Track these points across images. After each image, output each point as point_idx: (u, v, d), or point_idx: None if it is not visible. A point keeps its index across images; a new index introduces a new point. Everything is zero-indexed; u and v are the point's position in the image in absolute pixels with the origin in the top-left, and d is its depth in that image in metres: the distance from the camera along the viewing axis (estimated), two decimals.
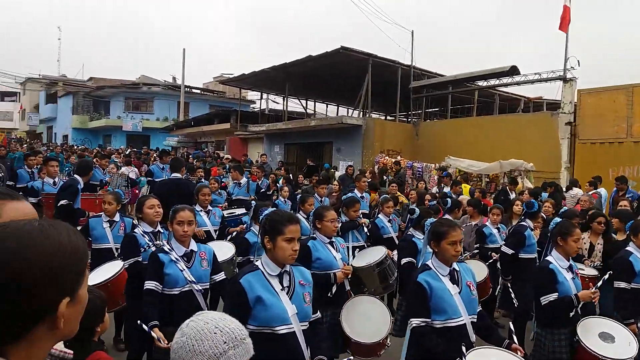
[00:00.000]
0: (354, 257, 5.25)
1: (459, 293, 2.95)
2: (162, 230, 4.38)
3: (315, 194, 8.25)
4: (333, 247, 3.95)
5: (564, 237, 3.67)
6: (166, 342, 3.04)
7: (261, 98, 26.07)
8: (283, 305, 2.46)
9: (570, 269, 3.70)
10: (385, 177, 14.11)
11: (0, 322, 0.88)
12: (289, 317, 2.46)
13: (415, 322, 2.91)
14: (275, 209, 2.99)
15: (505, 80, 17.28)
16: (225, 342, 1.40)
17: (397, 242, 6.30)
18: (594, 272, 5.43)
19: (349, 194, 7.17)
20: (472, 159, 13.77)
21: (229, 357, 1.40)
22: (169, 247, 3.48)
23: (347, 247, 5.40)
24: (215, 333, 1.40)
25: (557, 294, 3.55)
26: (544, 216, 6.32)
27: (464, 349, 2.70)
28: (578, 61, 14.60)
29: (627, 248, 4.29)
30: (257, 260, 2.65)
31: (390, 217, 6.54)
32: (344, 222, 5.62)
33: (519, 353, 2.81)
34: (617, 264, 4.23)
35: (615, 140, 13.35)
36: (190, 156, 21.40)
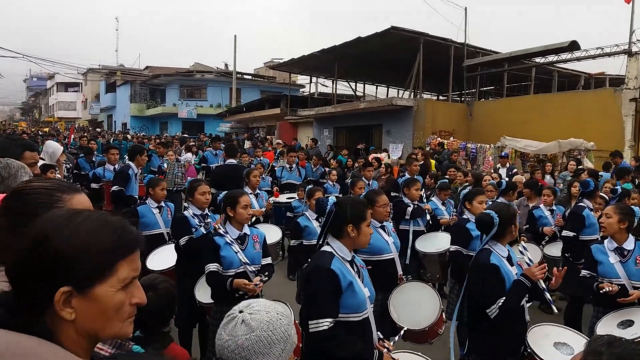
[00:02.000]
0: (413, 242, 5.33)
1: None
2: (209, 214, 4.53)
3: (363, 177, 8.28)
4: (384, 231, 3.99)
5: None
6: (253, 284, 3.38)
7: (310, 82, 26.16)
8: (362, 289, 2.49)
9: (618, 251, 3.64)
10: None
11: (21, 292, 0.95)
12: (367, 301, 2.50)
13: (494, 308, 2.83)
14: (350, 196, 2.98)
15: (564, 56, 16.48)
16: (289, 324, 1.50)
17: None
18: None
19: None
20: (529, 139, 13.33)
21: (293, 337, 1.51)
22: (224, 229, 3.62)
23: (409, 231, 5.48)
24: (280, 319, 1.48)
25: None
26: (605, 197, 6.08)
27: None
28: None
29: None
30: (324, 246, 2.58)
31: (445, 201, 6.51)
32: (414, 209, 5.58)
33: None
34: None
35: None
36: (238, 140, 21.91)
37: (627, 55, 13.97)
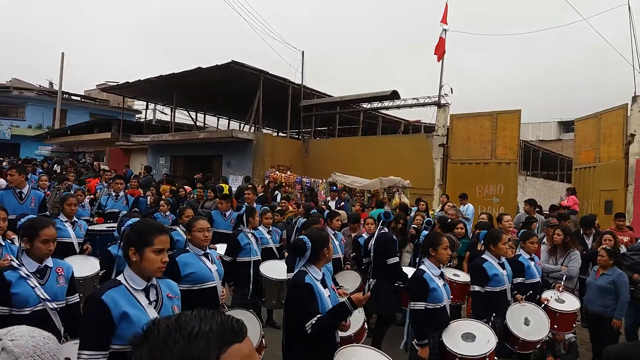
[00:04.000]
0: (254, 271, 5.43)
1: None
2: (3, 244, 4.03)
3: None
4: (208, 259, 3.84)
5: (435, 247, 3.93)
6: None
7: (147, 108, 25.01)
8: (150, 319, 2.35)
9: (441, 276, 3.96)
10: (276, 192, 14.24)
11: None
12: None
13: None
14: (142, 218, 2.83)
15: (386, 103, 18.43)
16: (57, 348, 1.38)
17: (277, 253, 6.57)
18: (467, 279, 6.05)
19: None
20: (356, 176, 14.45)
21: None
22: (17, 262, 3.13)
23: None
24: (47, 343, 1.35)
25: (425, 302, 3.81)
26: (416, 227, 6.85)
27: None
28: (451, 89, 16.05)
29: (482, 256, 4.65)
30: (118, 276, 2.46)
31: (270, 229, 6.71)
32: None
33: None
34: (473, 270, 4.69)
35: (482, 161, 14.81)
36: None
37: (437, 106, 16.15)
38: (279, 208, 9.10)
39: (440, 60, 16.27)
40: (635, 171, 11.78)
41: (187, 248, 3.84)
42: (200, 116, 25.54)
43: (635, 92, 12.44)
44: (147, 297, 2.39)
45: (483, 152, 14.86)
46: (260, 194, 9.88)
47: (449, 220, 7.04)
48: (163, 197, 9.37)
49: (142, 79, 19.44)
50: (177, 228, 6.08)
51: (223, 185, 13.44)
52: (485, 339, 3.82)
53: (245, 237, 5.65)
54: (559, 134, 36.98)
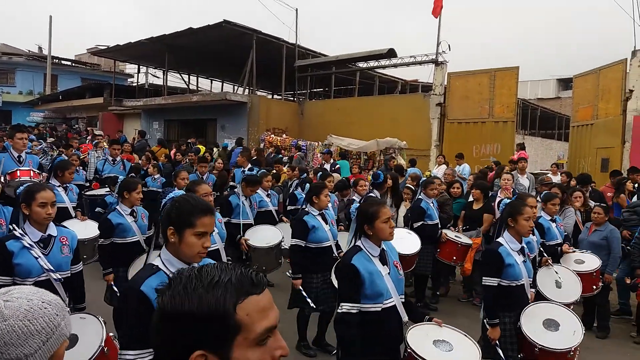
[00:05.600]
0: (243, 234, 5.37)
1: (389, 274, 2.88)
2: None
3: (197, 172, 8.11)
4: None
5: (515, 217, 3.48)
6: None
7: (138, 71, 24.54)
8: None
9: (521, 251, 3.54)
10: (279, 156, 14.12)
11: None
12: None
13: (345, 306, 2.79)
14: (187, 193, 2.45)
15: (383, 62, 18.07)
16: (57, 314, 1.30)
17: (276, 216, 6.57)
18: (469, 241, 6.10)
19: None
20: (352, 138, 14.31)
21: (62, 329, 1.31)
22: (20, 232, 3.06)
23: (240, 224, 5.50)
24: (45, 308, 1.28)
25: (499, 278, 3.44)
26: (410, 187, 6.80)
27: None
28: (449, 45, 15.69)
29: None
30: (154, 257, 2.20)
31: (269, 192, 6.70)
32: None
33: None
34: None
35: (479, 120, 14.66)
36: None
37: (434, 64, 15.83)
38: (274, 171, 9.02)
39: (438, 17, 15.85)
40: (633, 128, 11.67)
41: None
42: (193, 79, 25.12)
43: (635, 47, 12.19)
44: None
45: (480, 111, 14.69)
46: (253, 157, 9.77)
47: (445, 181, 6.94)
48: (153, 162, 9.27)
49: (133, 42, 18.99)
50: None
51: (200, 147, 13.33)
52: (571, 329, 3.38)
53: (236, 198, 5.61)
54: (557, 92, 36.59)
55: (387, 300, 2.81)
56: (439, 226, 6.19)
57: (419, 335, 2.89)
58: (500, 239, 3.53)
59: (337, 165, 10.44)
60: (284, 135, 16.44)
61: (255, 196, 6.25)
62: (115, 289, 4.18)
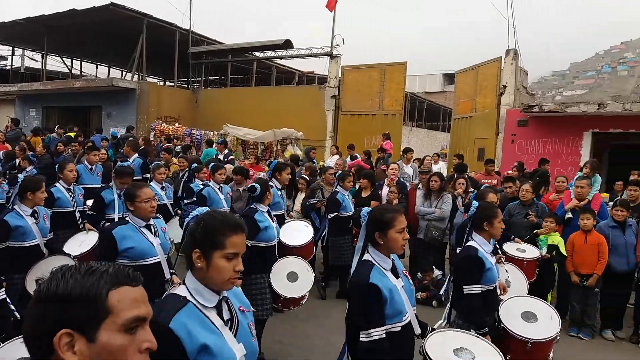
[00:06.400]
0: None
1: (402, 287, 2.55)
2: None
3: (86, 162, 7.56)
4: (150, 231, 3.42)
5: (490, 220, 3.31)
6: None
7: (13, 54, 22.23)
8: (230, 349, 1.71)
9: (493, 252, 3.41)
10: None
11: None
12: None
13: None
14: (213, 210, 2.05)
15: (280, 53, 18.09)
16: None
17: (171, 210, 6.54)
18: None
19: None
20: (249, 128, 14.20)
21: None
22: None
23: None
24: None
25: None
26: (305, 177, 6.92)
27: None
28: (343, 39, 16.14)
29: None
30: (176, 287, 1.89)
31: (164, 184, 6.60)
32: None
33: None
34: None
35: (370, 112, 15.27)
36: None
37: (329, 57, 16.17)
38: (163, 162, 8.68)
39: (333, 11, 16.17)
40: (505, 120, 12.87)
41: (127, 219, 3.34)
42: (77, 63, 23.31)
43: (509, 46, 13.40)
44: (220, 315, 1.77)
45: (371, 104, 15.30)
46: (141, 147, 9.29)
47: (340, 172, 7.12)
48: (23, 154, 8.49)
49: (7, 21, 17.20)
50: (58, 184, 5.58)
51: (70, 134, 12.46)
52: (547, 314, 3.36)
53: (110, 193, 5.26)
54: (443, 86, 39.14)
55: (405, 316, 2.49)
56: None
57: (437, 346, 2.64)
58: (472, 243, 3.31)
59: (231, 156, 10.29)
60: (177, 124, 15.86)
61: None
62: (9, 300, 3.38)
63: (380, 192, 7.21)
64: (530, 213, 5.95)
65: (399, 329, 2.44)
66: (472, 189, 6.92)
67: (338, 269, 6.42)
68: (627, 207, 5.59)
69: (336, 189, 6.38)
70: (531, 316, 3.33)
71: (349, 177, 6.47)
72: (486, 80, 13.88)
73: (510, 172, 8.88)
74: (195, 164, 7.36)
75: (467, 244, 3.35)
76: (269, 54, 18.70)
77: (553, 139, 12.04)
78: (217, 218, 1.80)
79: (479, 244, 3.29)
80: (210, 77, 23.33)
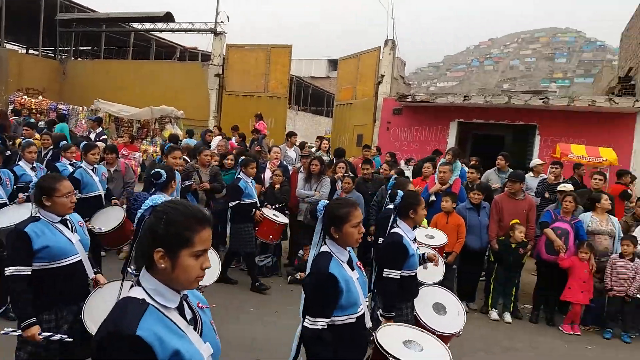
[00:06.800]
0: None
1: (357, 279, 2.61)
2: None
3: None
4: (67, 227, 3.00)
5: (415, 208, 3.45)
6: None
7: None
8: (197, 350, 1.56)
9: (415, 239, 3.53)
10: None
11: None
12: None
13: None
14: (174, 199, 1.83)
15: (160, 26, 17.17)
16: None
17: None
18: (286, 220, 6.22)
19: None
20: (124, 104, 13.34)
21: None
22: None
23: None
24: None
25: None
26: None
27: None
28: (227, 16, 15.74)
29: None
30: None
31: (34, 164, 6.00)
32: None
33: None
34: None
35: (255, 94, 15.17)
36: None
37: (213, 34, 15.70)
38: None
39: None
40: (382, 108, 13.58)
41: (39, 215, 2.89)
42: None
43: (387, 36, 14.08)
44: (183, 315, 1.60)
45: (257, 86, 15.21)
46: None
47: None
48: None
49: None
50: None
51: None
52: (455, 310, 3.49)
53: None
54: (328, 72, 40.08)
55: (360, 308, 2.56)
56: (257, 205, 6.24)
57: (387, 337, 2.77)
58: (397, 230, 3.40)
59: (104, 136, 9.58)
60: (40, 97, 14.38)
61: (6, 171, 5.35)
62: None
63: (262, 175, 7.25)
64: None
65: (354, 320, 2.51)
66: (350, 173, 7.26)
67: (239, 256, 6.46)
68: (482, 191, 6.26)
69: (239, 176, 6.23)
70: (441, 308, 3.49)
71: (252, 163, 6.34)
72: (366, 69, 14.49)
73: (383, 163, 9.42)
74: (63, 142, 6.76)
75: (392, 230, 3.43)
76: (148, 26, 17.65)
77: (424, 127, 12.99)
78: (181, 210, 1.57)
79: (404, 231, 3.38)
80: (81, 48, 21.41)
